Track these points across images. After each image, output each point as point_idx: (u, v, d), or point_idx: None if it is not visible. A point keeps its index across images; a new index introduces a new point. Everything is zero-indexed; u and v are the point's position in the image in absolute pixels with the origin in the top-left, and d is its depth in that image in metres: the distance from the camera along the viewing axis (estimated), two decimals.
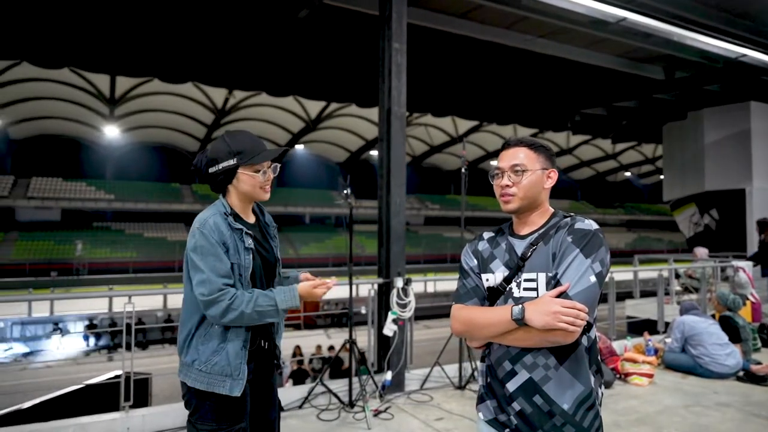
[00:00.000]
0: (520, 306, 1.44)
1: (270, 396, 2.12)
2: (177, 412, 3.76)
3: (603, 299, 5.98)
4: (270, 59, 9.80)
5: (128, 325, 3.78)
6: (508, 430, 1.54)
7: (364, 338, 5.06)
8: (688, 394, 4.70)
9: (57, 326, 19.04)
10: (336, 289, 2.25)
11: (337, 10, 6.61)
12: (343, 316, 22.30)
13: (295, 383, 11.21)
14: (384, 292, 4.84)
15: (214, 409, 1.90)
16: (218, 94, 30.84)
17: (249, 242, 1.96)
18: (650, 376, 5.03)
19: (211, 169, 1.98)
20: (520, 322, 1.43)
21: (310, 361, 13.16)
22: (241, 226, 1.96)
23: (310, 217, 41.45)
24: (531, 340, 1.45)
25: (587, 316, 1.39)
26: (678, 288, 9.18)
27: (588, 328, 1.45)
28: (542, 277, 1.51)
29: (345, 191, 4.07)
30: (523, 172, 1.62)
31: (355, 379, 4.25)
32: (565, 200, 51.49)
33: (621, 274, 7.32)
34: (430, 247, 37.05)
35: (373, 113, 34.29)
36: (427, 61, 9.37)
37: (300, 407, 4.20)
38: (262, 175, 1.98)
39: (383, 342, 4.75)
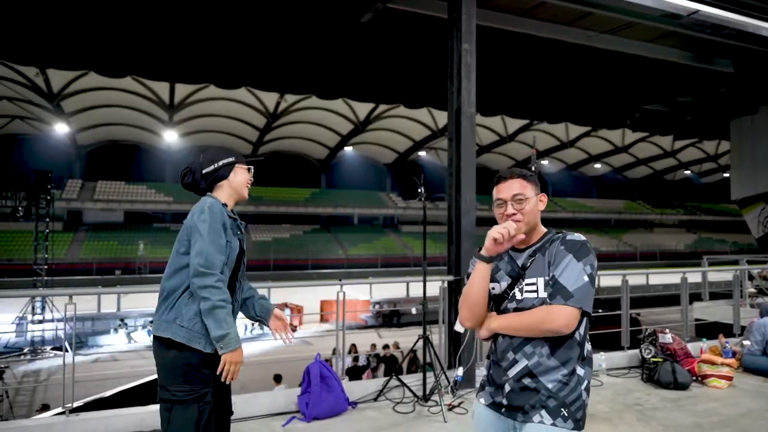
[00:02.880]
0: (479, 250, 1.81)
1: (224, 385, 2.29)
2: (262, 401, 3.96)
3: (675, 301, 5.84)
4: (321, 63, 10.01)
5: None
6: (503, 409, 1.79)
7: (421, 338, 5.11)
8: None
9: (123, 321, 20.06)
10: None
11: (401, 13, 6.72)
12: (393, 316, 22.42)
13: (351, 379, 11.41)
14: (454, 289, 4.90)
15: (190, 369, 2.11)
16: (270, 99, 31.66)
17: (238, 230, 2.33)
18: (729, 378, 4.87)
19: (208, 169, 2.33)
20: (482, 256, 1.78)
21: (367, 358, 13.34)
22: (233, 215, 2.34)
23: (359, 218, 41.86)
24: (526, 329, 1.74)
25: (513, 229, 1.74)
26: (752, 290, 8.78)
27: (583, 321, 1.74)
28: (541, 281, 1.77)
29: (420, 189, 4.15)
30: (524, 200, 1.83)
31: (427, 375, 4.33)
32: (620, 200, 49.90)
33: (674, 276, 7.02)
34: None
35: (421, 114, 34.42)
36: (478, 61, 9.35)
37: (375, 399, 4.32)
38: (249, 172, 2.41)
39: (454, 339, 4.81)
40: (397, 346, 13.41)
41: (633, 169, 50.02)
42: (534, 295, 1.77)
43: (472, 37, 4.88)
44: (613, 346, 5.99)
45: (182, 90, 29.69)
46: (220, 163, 2.33)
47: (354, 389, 4.34)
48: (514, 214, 1.82)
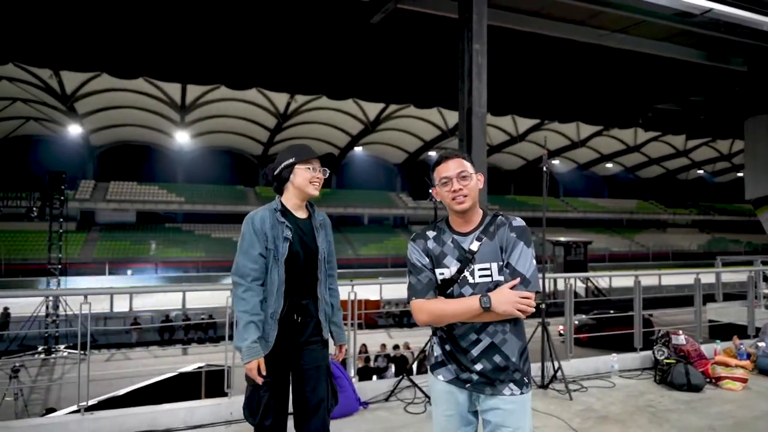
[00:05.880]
0: (487, 297, 1.82)
1: (310, 366, 2.44)
2: None
3: (688, 302, 5.79)
4: (331, 63, 10.04)
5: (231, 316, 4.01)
6: (468, 385, 1.92)
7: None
8: None
9: (136, 320, 20.24)
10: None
11: (411, 14, 6.71)
12: (404, 317, 22.40)
13: (361, 379, 11.40)
14: None
15: None
16: (281, 99, 31.79)
17: (287, 233, 2.37)
18: (744, 380, 4.82)
19: (276, 171, 2.46)
20: (488, 309, 1.81)
21: (375, 358, 13.36)
22: (284, 220, 2.39)
23: (369, 218, 41.86)
24: (493, 317, 1.86)
25: (534, 302, 1.83)
26: (766, 291, 8.67)
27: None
28: (494, 266, 1.89)
29: (430, 190, 4.15)
30: (468, 177, 1.94)
31: None
32: (632, 200, 49.47)
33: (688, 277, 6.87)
34: None
35: (431, 114, 34.36)
36: (489, 60, 9.32)
37: (386, 400, 4.33)
38: (312, 170, 2.43)
39: None
40: (407, 346, 13.40)
41: (645, 169, 49.59)
42: (488, 279, 1.90)
43: (483, 37, 4.87)
44: (625, 348, 5.95)
45: (193, 91, 29.90)
46: (281, 166, 2.44)
47: (365, 389, 4.35)
48: (460, 189, 1.91)
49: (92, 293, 3.76)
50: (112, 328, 18.18)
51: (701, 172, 50.63)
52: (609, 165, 47.61)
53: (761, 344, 5.44)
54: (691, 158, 46.81)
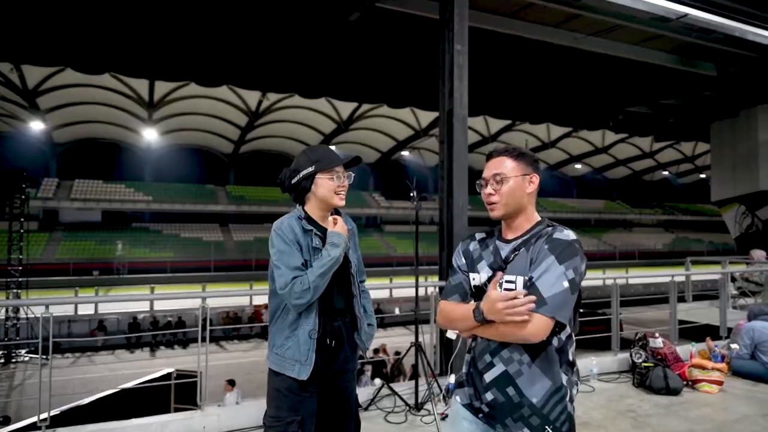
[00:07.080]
0: (479, 306, 1.61)
1: (341, 398, 2.23)
2: (249, 412, 3.82)
3: (655, 301, 5.92)
4: (305, 61, 9.89)
5: (203, 323, 3.84)
6: (481, 415, 1.73)
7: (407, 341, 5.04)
8: (763, 402, 4.54)
9: (101, 324, 19.63)
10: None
11: (390, 12, 6.61)
12: (381, 318, 22.30)
13: None
14: None
15: (279, 395, 2.09)
16: (252, 97, 31.28)
17: (316, 242, 2.15)
18: (720, 383, 4.87)
19: (294, 179, 2.19)
20: (480, 317, 1.60)
21: None
22: (311, 228, 2.16)
23: None
24: (497, 335, 1.62)
25: (531, 304, 1.52)
26: (734, 292, 8.87)
27: (559, 329, 1.63)
28: (520, 280, 1.64)
29: (412, 193, 4.06)
30: (503, 180, 1.72)
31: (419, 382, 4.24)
32: (600, 200, 50.52)
33: (664, 277, 6.97)
34: None
35: (404, 114, 34.36)
36: None
37: (366, 409, 4.21)
38: (336, 179, 2.18)
39: (446, 345, 4.73)
40: (384, 349, 13.31)
41: (613, 170, 50.70)
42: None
43: (465, 38, 4.80)
44: (597, 348, 5.99)
45: (162, 87, 29.16)
46: (300, 176, 2.18)
47: None
48: (491, 195, 1.73)
49: (54, 303, 3.53)
50: (79, 339, 17.54)
51: (666, 173, 52.08)
52: (578, 166, 48.50)
53: (734, 346, 5.52)
54: (657, 160, 48.09)
